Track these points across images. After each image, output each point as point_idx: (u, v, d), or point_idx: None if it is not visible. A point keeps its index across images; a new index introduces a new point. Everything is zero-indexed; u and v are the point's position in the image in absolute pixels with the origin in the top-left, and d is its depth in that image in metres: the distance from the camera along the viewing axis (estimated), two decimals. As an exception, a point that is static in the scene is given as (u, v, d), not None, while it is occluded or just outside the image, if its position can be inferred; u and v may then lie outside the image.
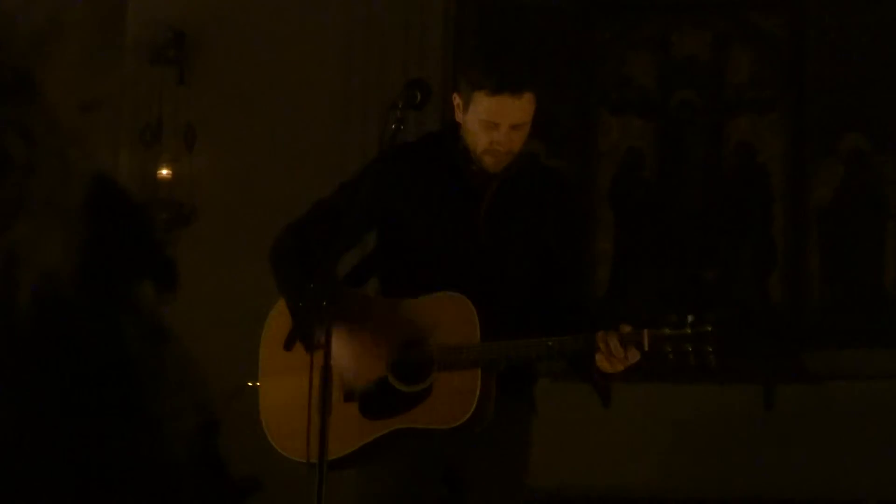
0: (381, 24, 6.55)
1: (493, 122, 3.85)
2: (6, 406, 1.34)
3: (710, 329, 3.67)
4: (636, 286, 6.82)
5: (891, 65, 6.73)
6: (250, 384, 4.06)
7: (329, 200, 4.07)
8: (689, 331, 3.67)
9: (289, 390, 3.92)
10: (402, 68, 6.54)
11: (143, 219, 1.47)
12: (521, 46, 4.04)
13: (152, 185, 6.76)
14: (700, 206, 6.89)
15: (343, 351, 3.84)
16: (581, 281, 4.11)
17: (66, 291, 1.33)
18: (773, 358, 6.68)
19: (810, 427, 6.47)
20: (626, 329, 3.70)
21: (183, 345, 1.56)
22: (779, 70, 6.90)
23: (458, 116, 3.93)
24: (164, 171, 6.85)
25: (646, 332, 3.69)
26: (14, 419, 1.34)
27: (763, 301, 6.77)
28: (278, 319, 3.97)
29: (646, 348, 3.69)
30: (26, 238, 1.30)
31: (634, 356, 3.70)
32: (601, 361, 3.71)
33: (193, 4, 6.94)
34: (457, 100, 3.94)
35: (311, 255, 3.94)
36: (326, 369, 3.46)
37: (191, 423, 1.42)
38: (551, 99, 6.95)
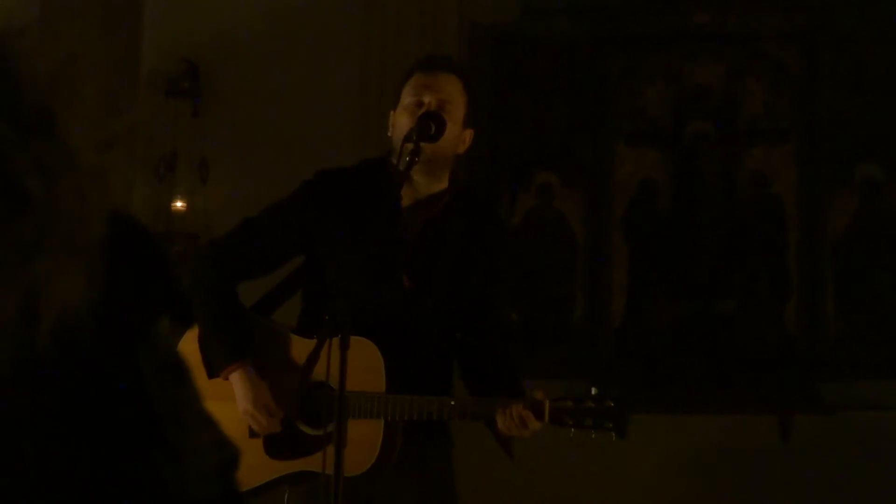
0: (395, 57, 6.56)
1: (421, 98, 3.90)
2: (25, 443, 1.34)
3: (611, 405, 3.68)
4: (651, 317, 6.80)
5: (905, 95, 6.73)
6: None
7: (256, 219, 4.06)
8: (590, 404, 3.68)
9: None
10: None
11: (162, 254, 1.47)
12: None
13: (167, 218, 6.77)
14: (715, 236, 6.88)
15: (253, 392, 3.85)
16: (505, 331, 4.13)
17: (86, 328, 1.33)
18: (788, 388, 6.66)
19: (826, 458, 6.45)
20: (533, 398, 3.72)
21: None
22: (793, 100, 6.90)
23: (390, 131, 3.97)
24: (179, 204, 6.86)
25: (547, 402, 3.70)
26: (33, 456, 1.34)
27: (779, 331, 6.75)
28: (189, 347, 3.87)
29: (546, 419, 3.70)
30: (45, 275, 1.30)
31: (535, 425, 3.71)
32: (500, 424, 3.72)
33: (207, 36, 6.95)
34: (391, 117, 3.99)
35: (231, 275, 3.95)
36: (341, 399, 3.46)
37: (211, 460, 1.42)
38: (565, 130, 6.96)
